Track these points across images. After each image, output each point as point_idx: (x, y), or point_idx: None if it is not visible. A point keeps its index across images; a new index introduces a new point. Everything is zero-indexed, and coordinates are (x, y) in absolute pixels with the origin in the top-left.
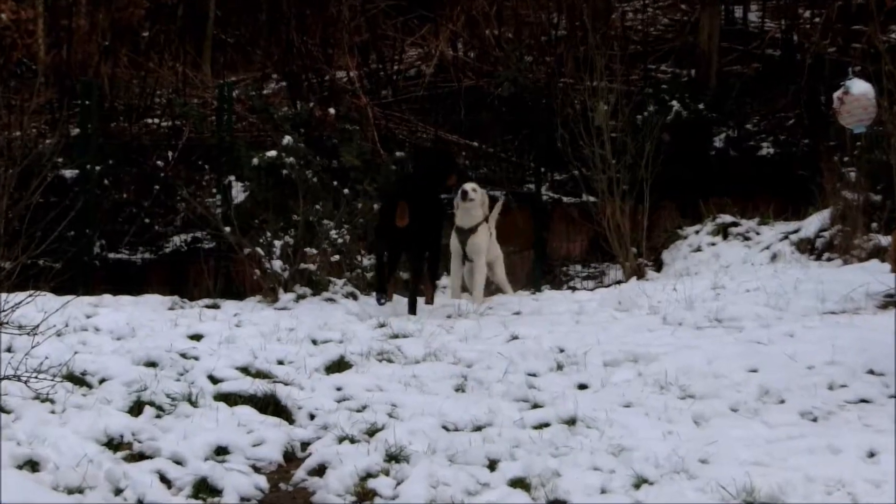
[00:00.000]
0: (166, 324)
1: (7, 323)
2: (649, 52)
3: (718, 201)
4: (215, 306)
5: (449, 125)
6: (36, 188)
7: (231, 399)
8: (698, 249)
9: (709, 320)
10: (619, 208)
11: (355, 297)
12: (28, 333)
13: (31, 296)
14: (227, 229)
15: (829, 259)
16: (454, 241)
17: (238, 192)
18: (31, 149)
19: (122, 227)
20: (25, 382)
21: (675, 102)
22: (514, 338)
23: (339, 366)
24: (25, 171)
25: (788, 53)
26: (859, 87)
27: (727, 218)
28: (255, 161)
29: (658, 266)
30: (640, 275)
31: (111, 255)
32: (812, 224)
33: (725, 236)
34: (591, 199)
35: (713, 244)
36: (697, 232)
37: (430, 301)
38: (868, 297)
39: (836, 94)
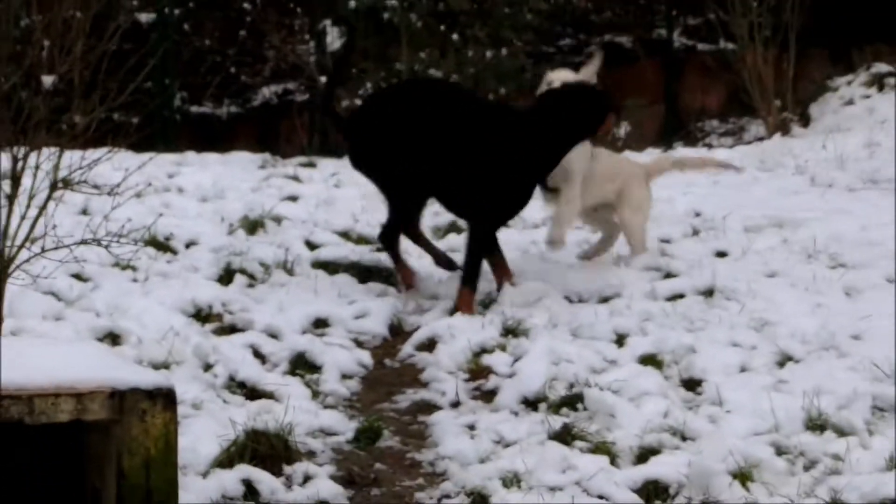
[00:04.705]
0: (257, 184)
1: (83, 182)
2: None
3: (875, 49)
4: (311, 165)
5: None
6: (112, 34)
7: (330, 267)
8: (850, 103)
9: (862, 182)
10: (762, 57)
11: None
12: (107, 194)
13: (108, 152)
14: (323, 79)
15: None
16: None
17: (334, 39)
18: None
19: (205, 79)
20: (105, 247)
21: None
22: None
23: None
24: (98, 16)
25: None
26: None
27: (883, 67)
28: (353, 4)
29: (805, 121)
30: (785, 130)
31: (194, 109)
32: None
33: (881, 88)
34: (730, 46)
35: (867, 97)
36: (850, 83)
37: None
38: None
39: None
